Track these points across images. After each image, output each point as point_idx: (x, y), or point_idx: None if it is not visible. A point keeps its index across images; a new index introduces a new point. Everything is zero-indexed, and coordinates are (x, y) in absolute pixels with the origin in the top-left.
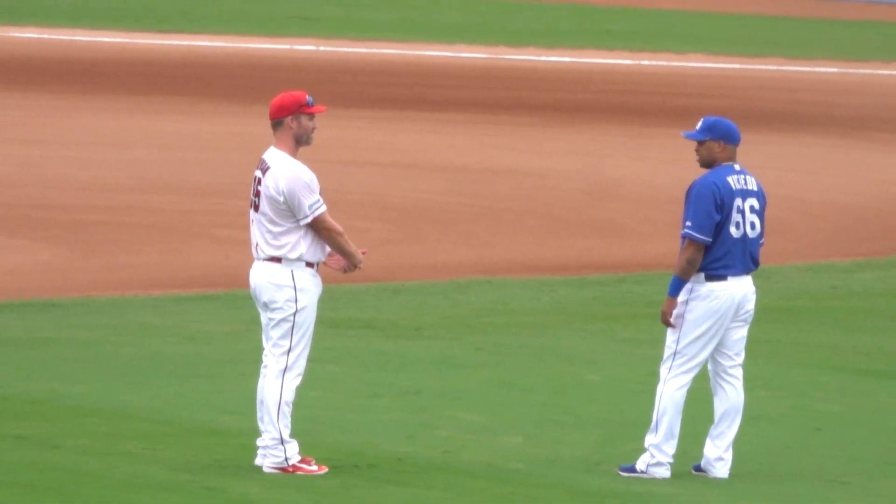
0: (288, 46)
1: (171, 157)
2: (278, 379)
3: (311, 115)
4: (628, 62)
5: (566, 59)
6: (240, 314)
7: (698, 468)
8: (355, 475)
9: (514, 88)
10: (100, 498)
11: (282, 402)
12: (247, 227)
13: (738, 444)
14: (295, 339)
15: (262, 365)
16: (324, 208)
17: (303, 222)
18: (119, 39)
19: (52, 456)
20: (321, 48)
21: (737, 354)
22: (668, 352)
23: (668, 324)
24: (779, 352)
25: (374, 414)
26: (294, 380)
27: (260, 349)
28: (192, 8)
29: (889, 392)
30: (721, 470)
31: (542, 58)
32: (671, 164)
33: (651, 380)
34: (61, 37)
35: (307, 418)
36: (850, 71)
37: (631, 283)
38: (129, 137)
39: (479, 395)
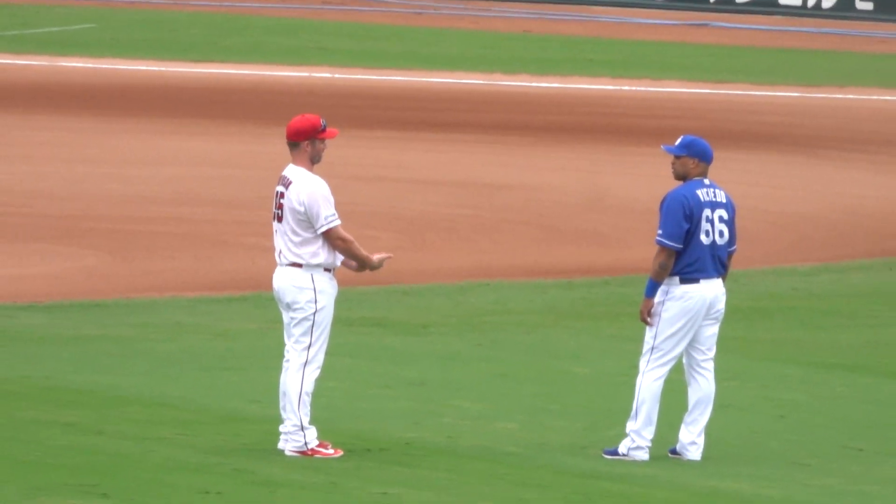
0: (306, 74)
1: (202, 174)
2: (299, 372)
3: (324, 139)
4: (610, 87)
5: (555, 84)
6: (264, 313)
7: (674, 451)
8: (367, 458)
9: (509, 112)
10: (138, 479)
11: (302, 392)
12: (270, 236)
13: (710, 429)
14: (314, 335)
15: (285, 359)
16: (338, 222)
17: (319, 231)
18: (154, 68)
19: (96, 441)
20: (336, 75)
21: (709, 349)
22: (646, 347)
23: (645, 321)
24: (746, 347)
25: (385, 402)
26: (313, 372)
27: (282, 345)
28: (219, 39)
29: (845, 382)
30: (694, 453)
31: (534, 84)
32: (650, 178)
33: (632, 372)
34: (103, 66)
35: (324, 407)
36: (809, 95)
37: (615, 285)
38: (163, 156)
39: (479, 386)
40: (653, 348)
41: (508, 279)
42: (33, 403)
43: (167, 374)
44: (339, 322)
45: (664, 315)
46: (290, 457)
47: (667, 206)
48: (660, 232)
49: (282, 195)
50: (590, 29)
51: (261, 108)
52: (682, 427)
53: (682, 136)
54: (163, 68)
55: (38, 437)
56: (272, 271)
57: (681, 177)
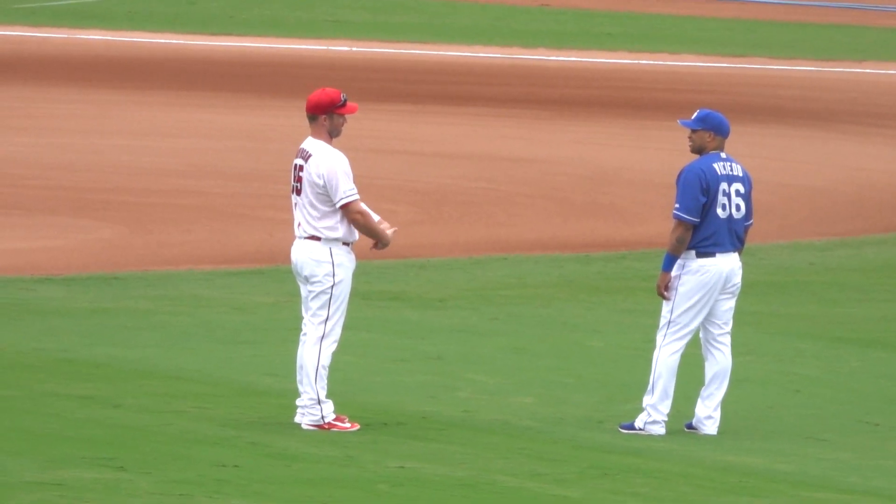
0: (324, 47)
1: (219, 146)
2: (316, 345)
3: (343, 114)
4: (628, 61)
5: (572, 58)
6: (282, 287)
7: (690, 426)
8: (384, 431)
9: (527, 85)
10: (156, 451)
11: (319, 365)
12: (288, 209)
13: (726, 404)
14: (332, 309)
15: (302, 333)
16: (356, 196)
17: (337, 205)
18: (172, 41)
19: (114, 414)
20: (354, 48)
21: (725, 323)
22: (663, 321)
23: (662, 296)
24: (762, 321)
25: (401, 376)
26: (330, 346)
27: (299, 318)
28: (237, 12)
29: (861, 357)
30: (710, 427)
31: (551, 57)
32: (667, 152)
33: (648, 346)
34: (121, 38)
35: (341, 380)
36: (826, 69)
37: (631, 259)
38: (180, 128)
39: (495, 359)
40: (669, 322)
41: (525, 253)
42: (50, 376)
43: (184, 348)
44: (355, 296)
45: (681, 289)
46: (307, 430)
47: (683, 179)
48: (677, 206)
49: (301, 168)
50: (607, 2)
51: (278, 81)
52: (699, 401)
53: (698, 110)
54: (181, 41)
55: (55, 410)
56: (290, 244)
57: (697, 150)
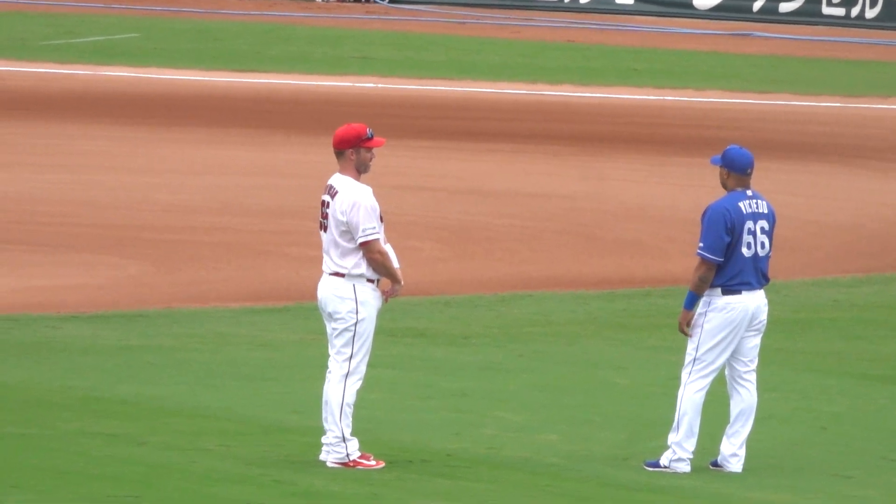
0: (350, 84)
1: (246, 183)
2: (341, 383)
3: (370, 148)
4: (653, 98)
5: (598, 94)
6: (307, 324)
7: (715, 464)
8: (409, 469)
9: (552, 121)
10: (181, 490)
11: (344, 403)
12: (314, 245)
13: (751, 441)
14: (356, 346)
15: (328, 370)
16: (377, 236)
17: (358, 242)
18: (198, 77)
19: (139, 451)
20: (379, 85)
21: (751, 361)
22: (688, 358)
23: (683, 332)
24: (788, 358)
25: (426, 414)
26: (355, 384)
27: (325, 356)
28: (263, 49)
29: (888, 394)
30: (736, 465)
31: (576, 94)
32: (692, 188)
33: (673, 383)
34: (148, 75)
35: (367, 418)
36: (851, 105)
37: (656, 296)
38: (207, 165)
39: (520, 397)
40: (695, 360)
41: (549, 290)
42: (76, 414)
43: (210, 385)
44: (380, 333)
45: (706, 326)
46: (332, 468)
47: (708, 218)
48: (701, 245)
49: (327, 205)
50: (633, 39)
51: (304, 117)
52: (724, 439)
53: (729, 146)
54: (207, 78)
55: (81, 448)
56: (315, 281)
57: (722, 186)
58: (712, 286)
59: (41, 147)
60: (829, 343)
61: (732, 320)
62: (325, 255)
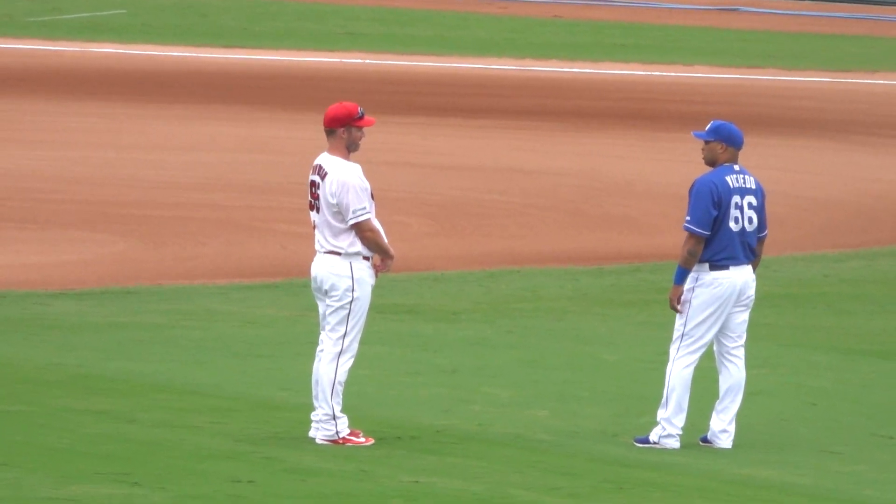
0: (337, 59)
1: (233, 159)
2: (333, 361)
3: (361, 127)
4: (641, 73)
5: (586, 70)
6: (296, 301)
7: (705, 439)
8: (398, 446)
9: (540, 97)
10: (171, 466)
11: (336, 381)
12: (301, 222)
13: (740, 417)
14: (350, 324)
15: (318, 349)
16: (367, 216)
17: (349, 223)
18: (186, 54)
19: (129, 429)
20: (367, 61)
21: (739, 336)
22: (676, 334)
23: (674, 308)
24: (777, 334)
25: (416, 390)
26: (347, 362)
27: (314, 333)
28: (250, 25)
29: (876, 369)
30: (725, 441)
31: (564, 69)
32: (680, 164)
33: (662, 359)
34: (135, 52)
35: (356, 394)
36: (839, 80)
37: (645, 272)
38: (194, 141)
39: (509, 373)
40: (683, 335)
41: (538, 266)
42: (65, 391)
43: (199, 362)
44: (370, 309)
45: (694, 302)
46: (321, 445)
47: (695, 192)
48: (688, 218)
49: (316, 185)
50: (620, 14)
51: (291, 93)
52: (713, 415)
53: (711, 122)
54: (194, 54)
55: (70, 425)
56: (304, 258)
57: (710, 162)
58: (700, 261)
59: (28, 124)
60: (817, 318)
61: (720, 295)
62: (317, 233)
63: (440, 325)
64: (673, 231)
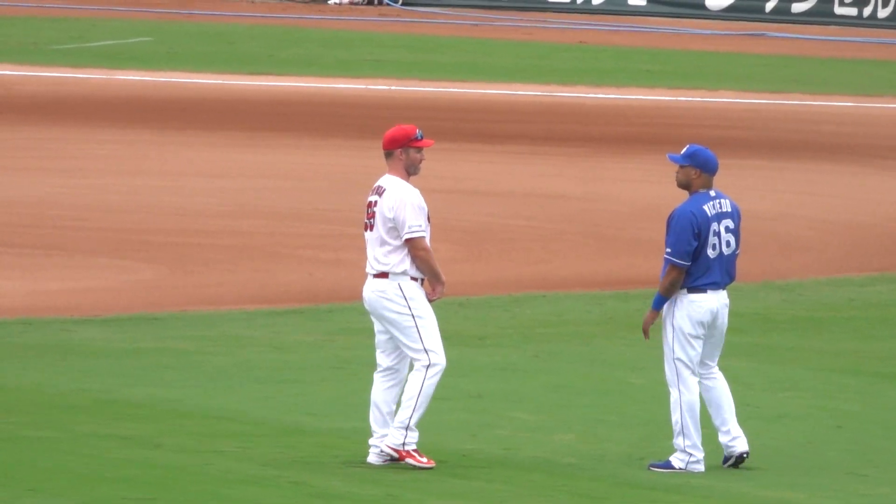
0: (363, 86)
1: (258, 186)
2: (421, 374)
3: (419, 149)
4: (667, 98)
5: (611, 95)
6: (322, 326)
7: (726, 459)
8: (425, 470)
9: (565, 122)
10: (196, 492)
11: (420, 396)
12: (326, 248)
13: (766, 439)
14: (424, 336)
15: (378, 370)
16: (423, 233)
17: (404, 237)
18: (211, 81)
19: (154, 454)
20: (393, 88)
21: (712, 360)
22: (670, 362)
23: (645, 333)
24: (802, 357)
25: (442, 415)
26: (435, 375)
27: (340, 357)
28: (276, 52)
29: None
30: (742, 445)
31: (590, 95)
32: None
33: None
34: (159, 79)
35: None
36: (864, 105)
37: None
38: (219, 168)
39: (536, 397)
40: (675, 360)
41: (564, 290)
42: (91, 417)
43: (224, 387)
44: None
45: (676, 325)
46: (348, 469)
47: (675, 223)
48: (669, 250)
49: (374, 204)
50: (645, 40)
51: (317, 120)
52: (720, 434)
53: (687, 146)
54: (219, 81)
55: (96, 451)
56: (329, 284)
57: (684, 185)
58: (682, 287)
59: (54, 151)
60: (843, 342)
61: (699, 318)
62: (368, 253)
63: (466, 349)
64: None
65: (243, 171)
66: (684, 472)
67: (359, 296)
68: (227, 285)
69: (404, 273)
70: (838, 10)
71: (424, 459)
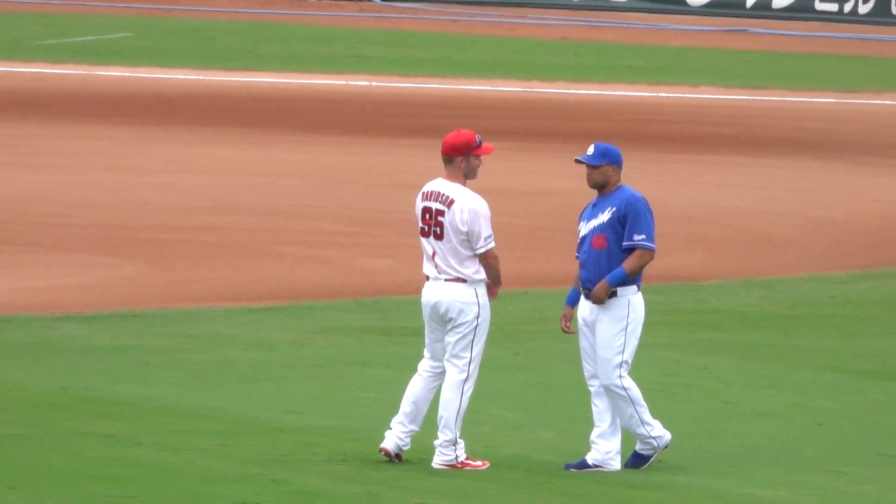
0: (343, 82)
1: (238, 182)
2: (458, 388)
3: (479, 155)
4: (647, 94)
5: (592, 91)
6: (302, 324)
7: (580, 465)
8: (405, 467)
9: (546, 118)
10: (177, 489)
11: (461, 409)
12: (308, 244)
13: (747, 437)
14: (475, 351)
15: (428, 374)
16: (494, 243)
17: (477, 251)
18: (191, 77)
19: (135, 452)
20: (373, 83)
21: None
22: (616, 361)
23: (599, 301)
24: (782, 355)
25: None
26: (470, 389)
27: (320, 356)
28: (255, 48)
29: (882, 390)
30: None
31: (571, 91)
32: (686, 185)
33: (669, 380)
34: (140, 74)
35: (362, 417)
36: (845, 101)
37: (650, 293)
38: (200, 164)
39: (517, 394)
40: (623, 363)
41: (545, 287)
42: (72, 414)
43: (204, 385)
44: (375, 332)
45: (630, 328)
46: (328, 468)
47: (642, 210)
48: (643, 236)
49: (440, 213)
50: (626, 35)
51: (298, 116)
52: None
53: (593, 145)
54: (199, 77)
55: (77, 449)
56: (310, 281)
57: (600, 186)
58: (628, 283)
59: (35, 147)
60: (823, 339)
61: (642, 317)
62: (436, 260)
63: None
64: (678, 252)
65: (223, 168)
66: (659, 455)
67: (338, 293)
68: (208, 282)
69: (482, 280)
70: (819, 5)
71: (479, 462)
